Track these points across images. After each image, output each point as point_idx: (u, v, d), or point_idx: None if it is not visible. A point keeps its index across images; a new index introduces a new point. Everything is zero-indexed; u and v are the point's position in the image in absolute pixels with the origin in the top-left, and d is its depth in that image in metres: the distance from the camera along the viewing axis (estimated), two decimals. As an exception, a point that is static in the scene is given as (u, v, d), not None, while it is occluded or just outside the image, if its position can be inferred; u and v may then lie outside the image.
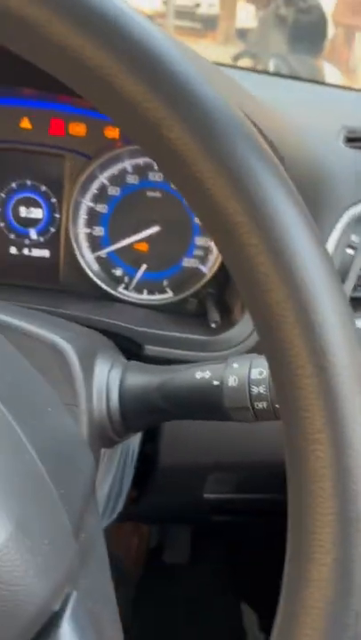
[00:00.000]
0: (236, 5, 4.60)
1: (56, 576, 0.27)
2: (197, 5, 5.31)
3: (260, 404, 0.38)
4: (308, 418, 0.22)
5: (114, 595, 0.36)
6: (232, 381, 0.39)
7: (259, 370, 0.38)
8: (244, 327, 0.53)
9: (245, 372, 0.39)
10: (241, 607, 1.07)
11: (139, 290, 0.64)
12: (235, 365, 0.40)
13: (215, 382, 0.40)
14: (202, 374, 0.41)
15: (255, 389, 0.38)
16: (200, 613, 1.07)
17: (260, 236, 0.22)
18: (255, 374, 0.38)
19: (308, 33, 2.54)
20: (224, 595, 1.12)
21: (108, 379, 0.44)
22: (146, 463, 0.62)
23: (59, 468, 0.34)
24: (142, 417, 0.44)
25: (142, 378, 0.44)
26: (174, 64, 0.21)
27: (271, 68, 2.50)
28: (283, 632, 0.22)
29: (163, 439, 0.58)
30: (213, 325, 0.54)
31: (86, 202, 0.62)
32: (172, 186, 0.61)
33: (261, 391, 0.38)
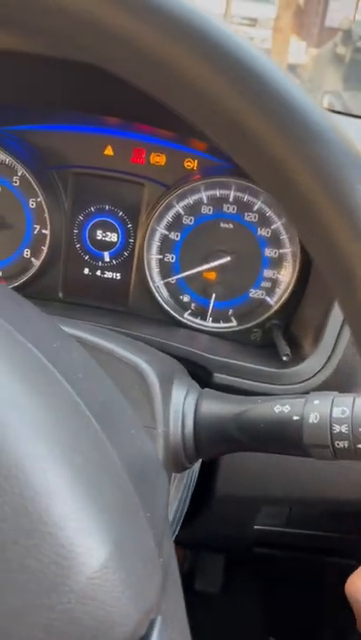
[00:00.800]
0: (288, 41, 4.69)
1: (146, 599, 0.28)
2: (250, 39, 5.41)
3: (341, 444, 0.38)
4: None
5: (187, 623, 0.36)
6: (313, 418, 0.39)
7: (341, 409, 0.39)
8: (314, 362, 0.54)
9: (327, 409, 0.39)
10: (270, 641, 1.05)
11: (204, 317, 0.65)
12: (316, 402, 0.40)
13: (295, 417, 0.40)
14: (281, 408, 0.41)
15: (337, 428, 0.38)
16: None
17: None
18: (337, 413, 0.39)
19: (363, 71, 2.56)
20: (253, 627, 1.10)
21: (184, 404, 0.45)
22: (202, 491, 0.62)
23: (144, 490, 0.34)
24: (215, 445, 0.45)
25: (217, 406, 0.45)
26: (302, 106, 0.22)
27: (325, 104, 2.52)
28: None
29: (221, 468, 0.59)
30: (285, 359, 0.55)
31: (161, 229, 0.64)
32: (246, 218, 0.62)
33: (343, 430, 0.38)
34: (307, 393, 0.42)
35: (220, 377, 0.55)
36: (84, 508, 0.26)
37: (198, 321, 0.65)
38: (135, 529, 0.30)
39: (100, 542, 0.26)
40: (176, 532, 0.54)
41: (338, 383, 0.53)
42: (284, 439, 0.40)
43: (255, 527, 0.67)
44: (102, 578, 0.25)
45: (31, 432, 0.27)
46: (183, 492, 0.50)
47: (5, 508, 0.24)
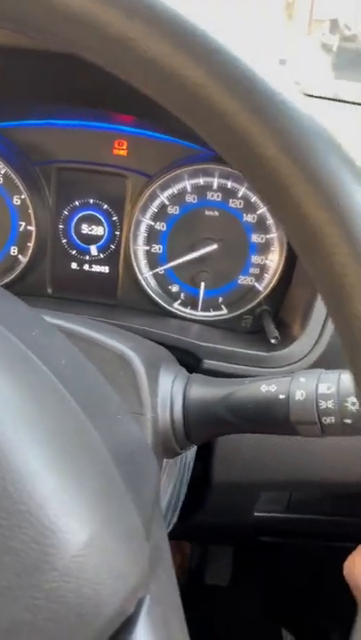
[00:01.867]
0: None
1: (133, 578, 0.28)
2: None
3: (328, 419, 0.38)
4: None
5: (181, 602, 0.36)
6: (299, 395, 0.39)
7: (327, 385, 0.39)
8: (303, 344, 0.54)
9: (313, 386, 0.39)
10: (282, 633, 1.05)
11: (194, 306, 0.65)
12: (302, 380, 0.40)
13: (281, 396, 0.40)
14: (267, 388, 0.41)
15: (323, 404, 0.38)
16: (239, 637, 1.05)
17: (348, 246, 0.22)
18: (323, 389, 0.39)
19: (352, 59, 2.56)
20: (264, 619, 1.10)
21: (172, 389, 0.45)
22: (199, 479, 0.62)
23: (130, 474, 0.34)
24: (205, 428, 0.45)
25: (206, 390, 0.45)
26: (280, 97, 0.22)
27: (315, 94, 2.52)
28: None
29: (216, 455, 0.59)
30: (273, 341, 0.55)
31: (146, 220, 0.64)
32: (231, 205, 0.62)
33: (330, 406, 0.38)
34: None
35: (209, 363, 0.55)
36: (66, 488, 0.26)
37: (189, 310, 0.65)
38: (119, 510, 0.30)
39: (82, 521, 0.26)
40: (174, 521, 0.54)
41: (327, 364, 0.53)
42: (272, 418, 0.40)
43: (256, 514, 0.67)
44: (86, 556, 0.26)
45: (10, 415, 0.27)
46: (177, 479, 0.50)
47: (-16, 491, 0.24)
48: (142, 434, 0.41)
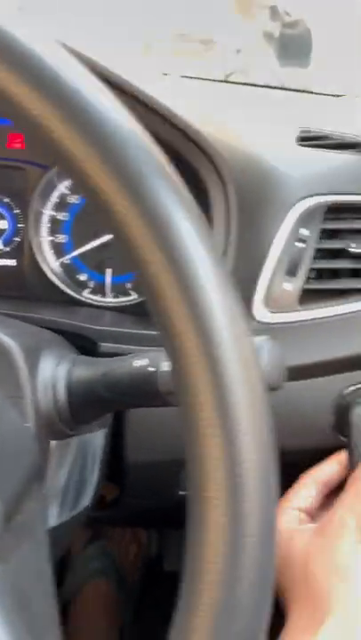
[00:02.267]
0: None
1: None
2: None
3: (192, 387, 0.39)
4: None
5: (51, 577, 0.37)
6: (166, 366, 0.40)
7: (190, 354, 0.40)
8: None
9: None
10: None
11: (103, 293, 0.66)
12: (169, 351, 0.41)
13: (151, 369, 0.41)
14: (140, 362, 0.42)
15: (186, 373, 0.39)
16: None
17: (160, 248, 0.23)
18: (186, 358, 0.40)
19: (295, 46, 2.57)
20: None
21: (55, 372, 0.45)
22: (119, 461, 0.63)
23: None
24: (89, 408, 0.46)
25: (89, 370, 0.46)
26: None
27: (261, 82, 2.54)
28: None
29: (127, 434, 0.59)
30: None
31: (47, 211, 0.64)
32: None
33: (192, 374, 0.39)
34: None
35: (105, 345, 0.56)
36: None
37: (98, 298, 0.66)
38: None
39: None
40: (85, 503, 0.55)
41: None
42: (144, 391, 0.42)
43: (181, 493, 0.68)
44: None
45: None
46: (76, 459, 0.51)
47: None
48: (18, 416, 0.42)
